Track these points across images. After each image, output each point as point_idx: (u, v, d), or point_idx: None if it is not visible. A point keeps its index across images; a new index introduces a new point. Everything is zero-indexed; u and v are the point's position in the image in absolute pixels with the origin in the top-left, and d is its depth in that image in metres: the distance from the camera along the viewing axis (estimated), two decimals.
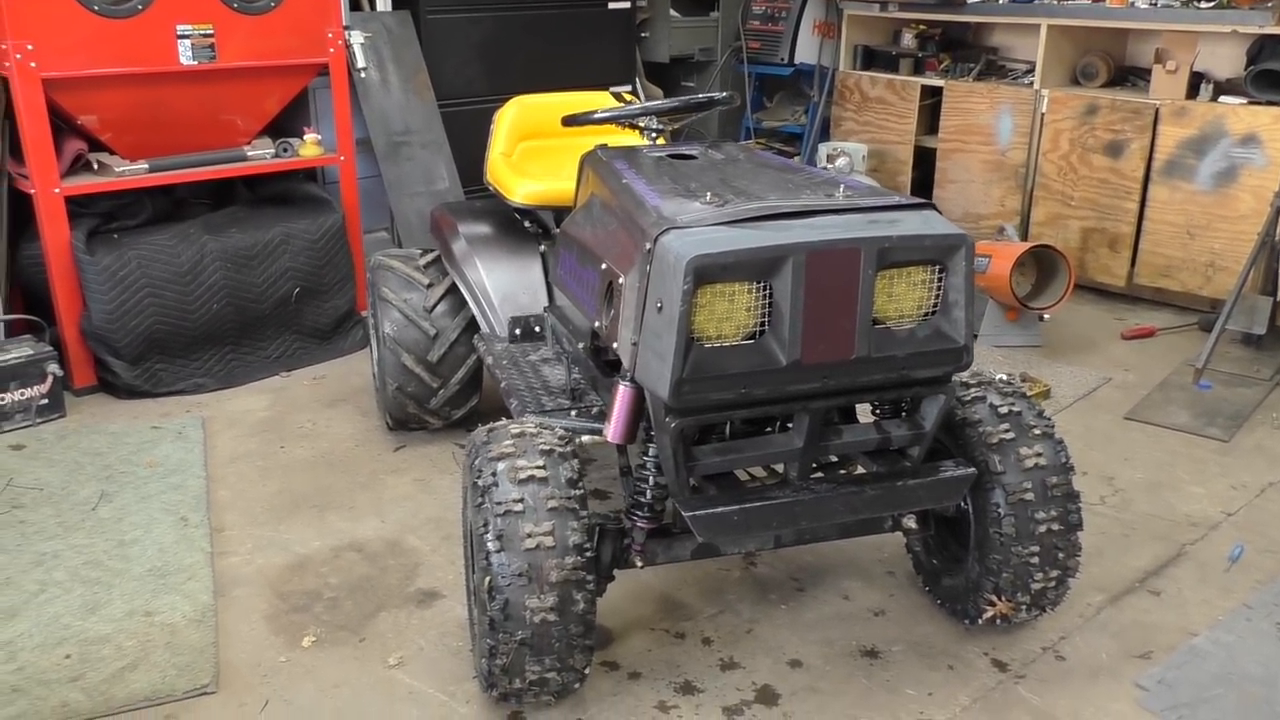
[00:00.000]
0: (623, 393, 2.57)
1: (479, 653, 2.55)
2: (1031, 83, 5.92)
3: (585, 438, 2.95)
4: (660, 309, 2.32)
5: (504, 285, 3.78)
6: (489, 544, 2.40)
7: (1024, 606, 2.82)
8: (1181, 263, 5.42)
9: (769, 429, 2.70)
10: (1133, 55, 6.08)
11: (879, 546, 3.36)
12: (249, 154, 4.93)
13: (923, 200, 2.54)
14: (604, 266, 2.63)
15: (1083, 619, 3.03)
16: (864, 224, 2.40)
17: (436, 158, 5.62)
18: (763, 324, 2.37)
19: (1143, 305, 5.69)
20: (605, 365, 3.20)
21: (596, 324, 2.68)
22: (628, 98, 5.74)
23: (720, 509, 2.42)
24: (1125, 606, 3.10)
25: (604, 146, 3.23)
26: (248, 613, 3.06)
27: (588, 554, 2.44)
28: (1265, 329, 4.76)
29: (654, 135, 3.47)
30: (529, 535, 2.40)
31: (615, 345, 2.54)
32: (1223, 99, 5.26)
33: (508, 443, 2.55)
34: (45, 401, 4.31)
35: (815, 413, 2.49)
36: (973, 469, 2.63)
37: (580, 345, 3.27)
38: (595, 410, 3.14)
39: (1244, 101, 5.15)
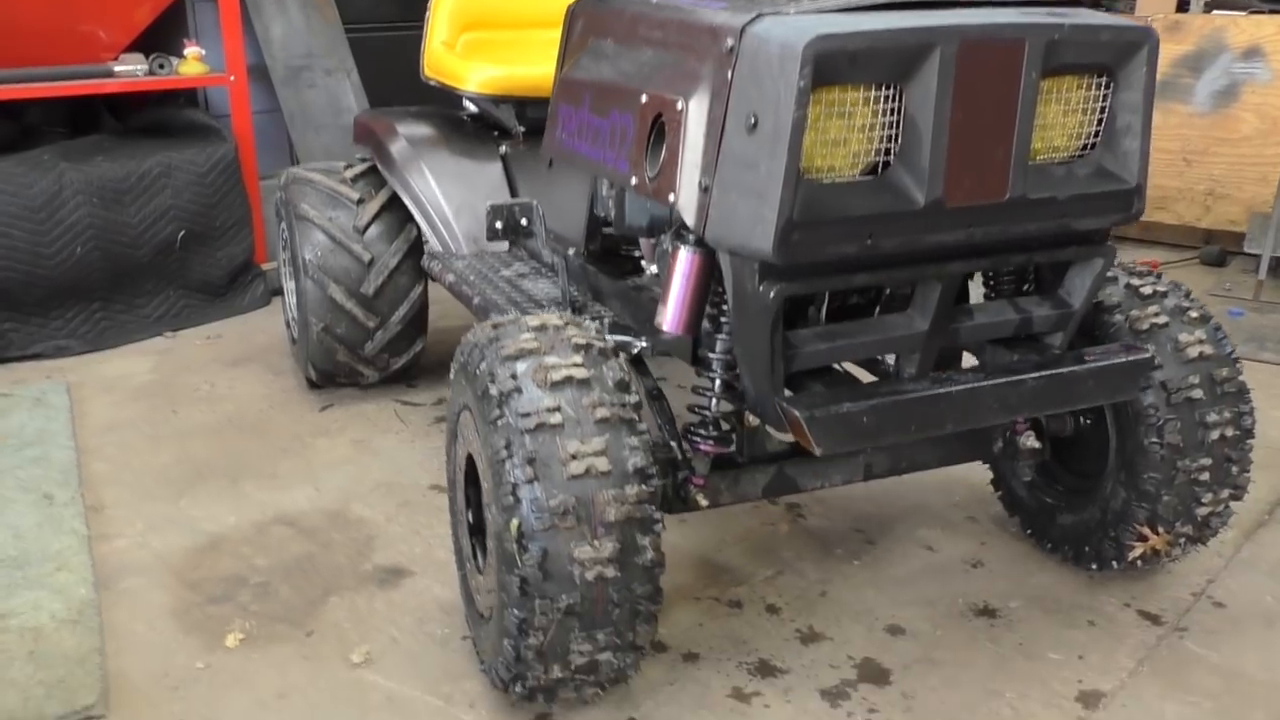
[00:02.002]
0: (687, 260, 1.86)
1: (497, 633, 1.79)
2: None
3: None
4: (754, 126, 1.63)
5: (459, 193, 3.02)
6: (515, 472, 1.66)
7: (1183, 539, 2.20)
8: (1178, 193, 4.97)
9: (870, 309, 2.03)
10: None
11: (947, 490, 2.72)
12: (116, 70, 4.04)
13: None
14: (644, 99, 1.92)
15: (1224, 558, 2.43)
16: (1022, 13, 1.75)
17: (343, 85, 4.80)
18: (886, 153, 1.70)
19: (1130, 244, 5.22)
20: (613, 270, 2.48)
21: (633, 179, 1.96)
22: None
23: (846, 406, 1.73)
24: (1265, 543, 2.52)
25: None
26: (145, 608, 2.23)
27: (653, 481, 1.72)
28: None
29: None
30: (574, 456, 1.67)
31: (671, 198, 1.82)
32: (1217, 12, 4.82)
33: (526, 336, 1.81)
34: None
35: (949, 280, 1.83)
36: (1149, 351, 1.99)
37: (572, 251, 2.55)
38: (608, 321, 2.40)
39: (1245, 12, 4.72)
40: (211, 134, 4.20)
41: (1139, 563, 2.22)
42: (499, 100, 3.04)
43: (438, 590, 2.29)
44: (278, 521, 2.58)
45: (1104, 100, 1.83)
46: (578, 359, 1.77)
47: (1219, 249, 4.85)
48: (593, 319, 2.39)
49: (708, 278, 1.88)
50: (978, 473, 2.57)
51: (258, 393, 3.38)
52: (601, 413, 1.71)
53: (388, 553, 2.44)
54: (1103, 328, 2.17)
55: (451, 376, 1.98)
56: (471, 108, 3.25)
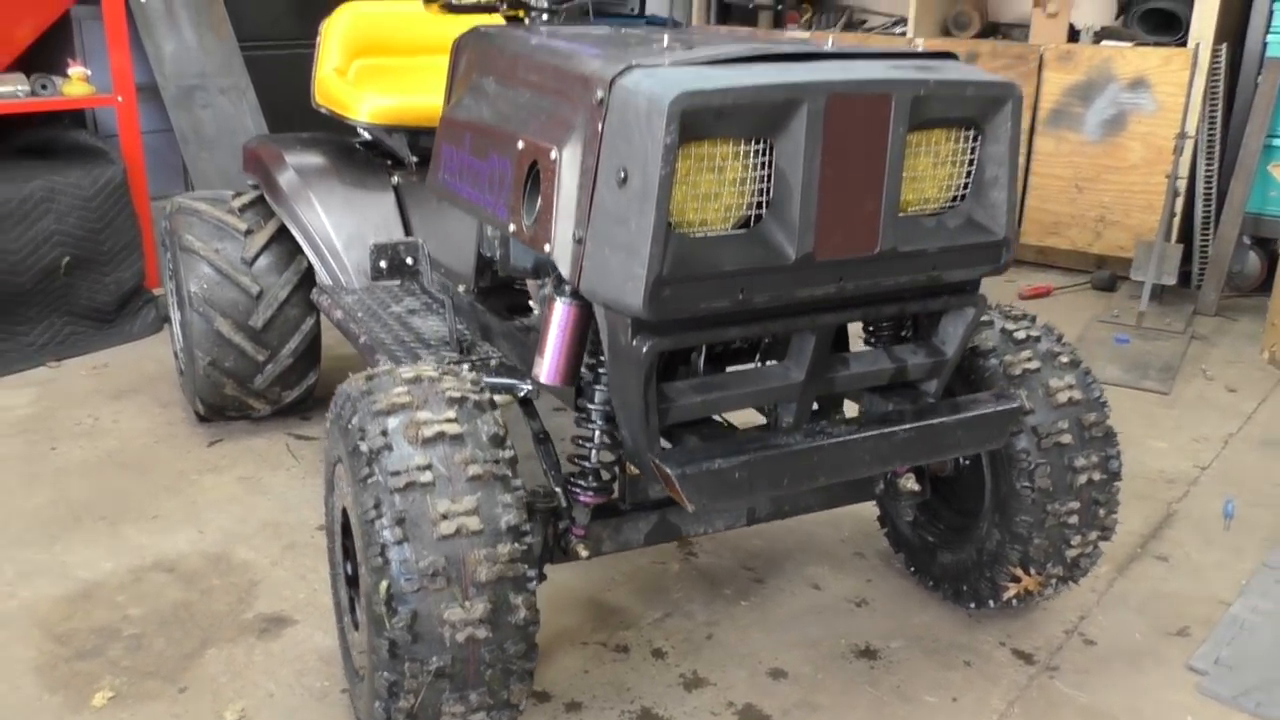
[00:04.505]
0: (562, 313, 1.86)
1: (369, 694, 1.77)
2: (904, 33, 5.52)
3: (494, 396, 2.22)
4: (624, 180, 1.63)
5: (350, 224, 2.98)
6: (384, 533, 1.63)
7: (1054, 580, 2.25)
8: (1070, 219, 5.10)
9: (747, 360, 2.05)
10: (996, 10, 5.79)
11: (836, 524, 2.75)
12: None
13: (944, 50, 1.95)
14: (520, 145, 1.91)
15: (1096, 594, 2.50)
16: (888, 69, 1.78)
17: (239, 106, 4.70)
18: (759, 206, 1.71)
19: (1026, 267, 5.35)
20: (501, 308, 2.47)
21: (511, 227, 1.95)
22: None
23: (718, 463, 1.73)
24: (1137, 576, 2.59)
25: (484, 26, 2.50)
26: (7, 666, 2.15)
27: (527, 539, 1.70)
28: (1175, 278, 4.46)
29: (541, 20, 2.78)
30: (444, 516, 1.65)
31: (547, 248, 1.81)
32: (1105, 43, 4.97)
33: (399, 390, 1.79)
34: None
35: (823, 331, 1.85)
36: (1018, 400, 2.03)
37: (461, 288, 2.53)
38: (494, 363, 2.39)
39: (1131, 44, 4.87)
40: (98, 156, 4.08)
41: (1013, 602, 2.27)
42: (391, 130, 3.01)
43: (319, 639, 2.24)
44: (157, 567, 2.51)
45: (972, 153, 1.87)
46: (451, 414, 1.75)
47: (1109, 274, 5.00)
48: (478, 361, 2.40)
49: (585, 328, 1.88)
50: (866, 508, 2.59)
51: (143, 426, 3.29)
52: (474, 470, 1.69)
53: (269, 599, 2.39)
54: (978, 372, 2.21)
55: (326, 427, 1.95)
56: (365, 135, 3.21)
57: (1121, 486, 2.22)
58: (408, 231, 2.99)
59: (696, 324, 1.72)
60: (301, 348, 3.14)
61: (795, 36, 2.18)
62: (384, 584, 1.63)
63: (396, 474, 1.66)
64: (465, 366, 2.34)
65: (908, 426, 1.89)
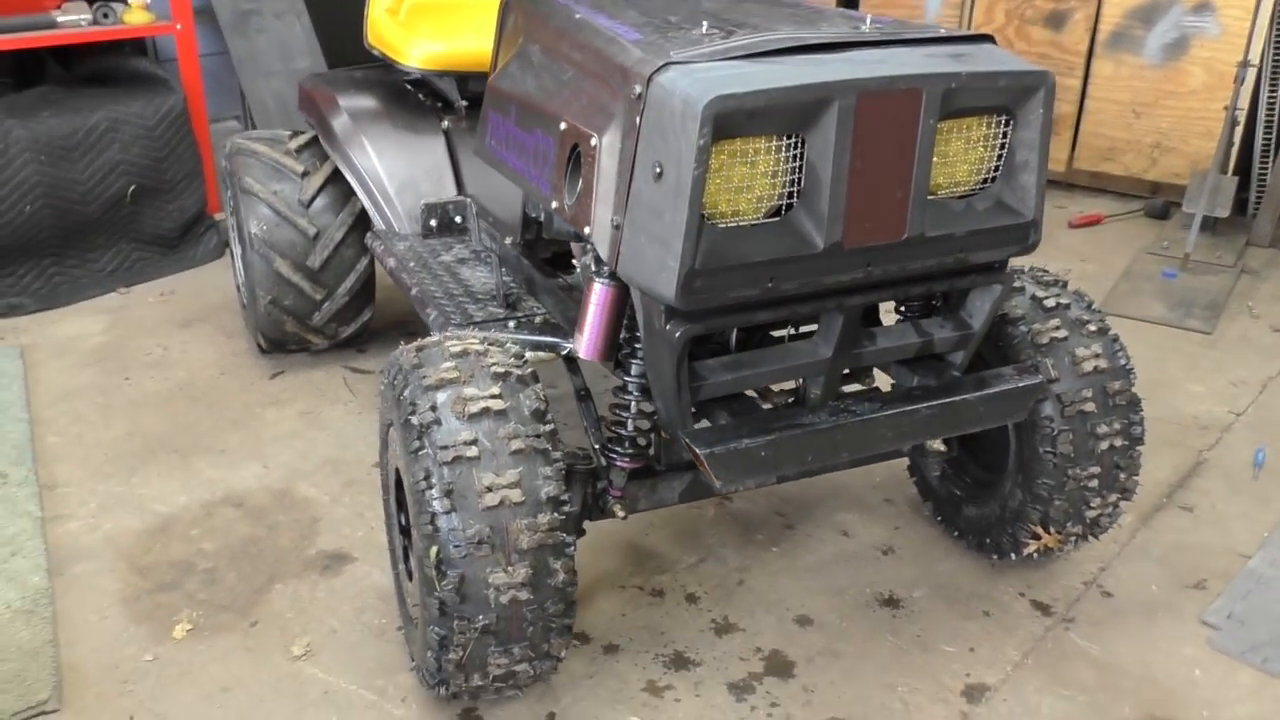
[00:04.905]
0: (600, 293, 1.95)
1: (421, 642, 1.93)
2: None
3: (530, 353, 2.33)
4: (659, 175, 1.70)
5: (402, 170, 3.06)
6: (434, 503, 1.77)
7: (1074, 538, 2.35)
8: (1126, 144, 5.03)
9: (779, 335, 2.13)
10: None
11: (869, 471, 2.85)
12: (59, 19, 4.00)
13: (980, 32, 1.97)
14: (563, 126, 1.98)
15: (1119, 545, 2.59)
16: (921, 60, 1.81)
17: (294, 29, 4.76)
18: (790, 195, 1.77)
19: (1079, 192, 5.30)
20: (544, 263, 2.57)
21: (554, 204, 2.03)
22: None
23: (744, 442, 1.84)
24: (1160, 526, 2.68)
25: None
26: (97, 596, 2.35)
27: (566, 509, 1.83)
28: (1229, 211, 4.41)
29: None
30: (489, 489, 1.78)
31: (587, 230, 1.90)
32: None
33: (447, 365, 1.91)
34: None
35: (850, 312, 1.93)
36: (1040, 377, 2.10)
37: (509, 240, 2.62)
38: (539, 319, 2.49)
39: None
40: (159, 85, 4.19)
41: (1036, 555, 2.37)
42: (441, 74, 3.07)
43: (376, 577, 2.42)
44: (226, 502, 2.69)
45: (1004, 137, 1.91)
46: (495, 389, 1.87)
47: (1163, 201, 4.94)
48: (523, 318, 2.50)
49: (622, 307, 1.97)
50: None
51: (209, 357, 3.45)
52: (516, 444, 1.81)
53: (330, 537, 2.56)
54: (1006, 339, 2.27)
55: (380, 389, 2.08)
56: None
57: (1144, 450, 2.29)
58: (458, 178, 3.06)
59: (727, 310, 1.81)
60: (357, 286, 3.26)
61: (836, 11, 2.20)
62: (434, 550, 1.77)
63: (445, 448, 1.79)
64: (511, 324, 2.47)
65: (930, 404, 1.98)
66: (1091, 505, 2.28)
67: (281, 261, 3.14)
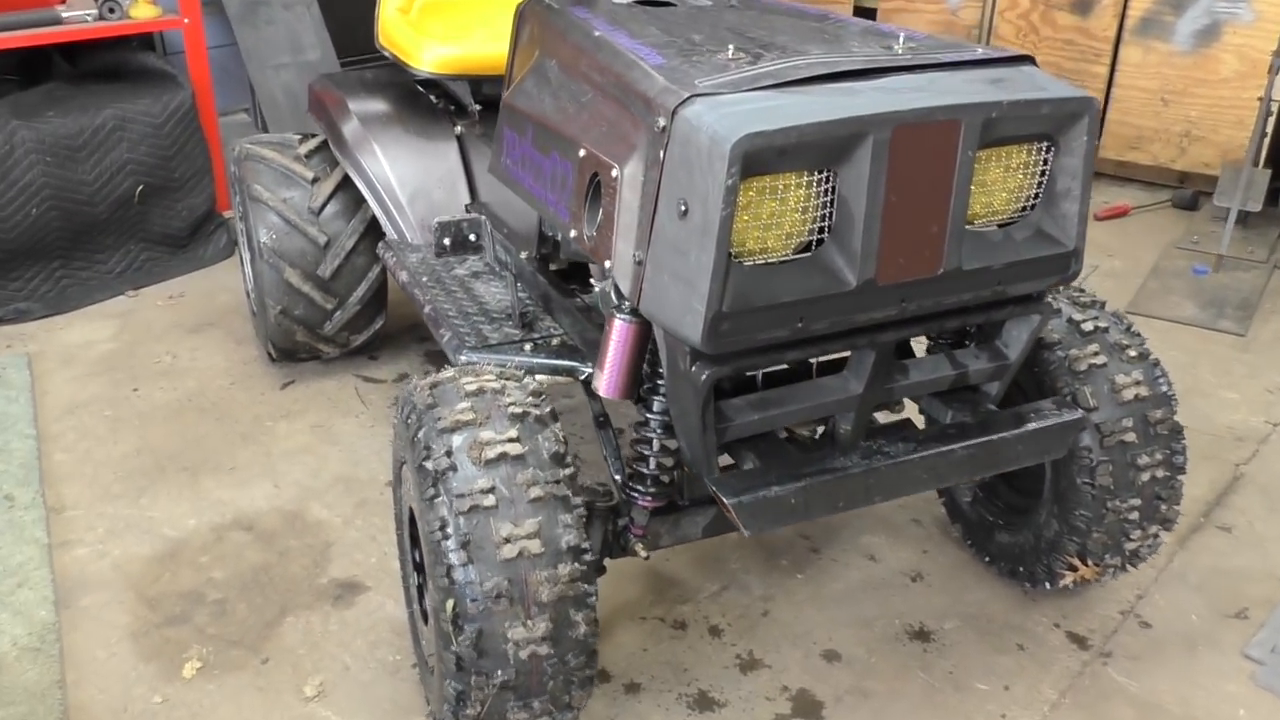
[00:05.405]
0: (621, 330, 1.87)
1: (438, 693, 1.86)
2: None
3: (542, 376, 2.26)
4: (684, 213, 1.62)
5: (414, 177, 2.98)
6: (451, 555, 1.70)
7: (1112, 569, 2.27)
8: (1154, 133, 4.90)
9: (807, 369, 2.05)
10: None
11: None
12: (64, 15, 3.92)
13: (1020, 52, 1.87)
14: (582, 153, 1.89)
15: (1155, 570, 2.51)
16: (959, 86, 1.72)
17: (304, 19, 4.66)
18: (821, 230, 1.69)
19: (1105, 181, 5.18)
20: (560, 280, 2.48)
21: (573, 232, 1.95)
22: None
23: (774, 490, 1.76)
24: (1198, 548, 2.59)
25: None
26: (105, 631, 2.30)
27: (587, 558, 1.76)
28: (1261, 205, 4.29)
29: None
30: (507, 539, 1.70)
31: (608, 263, 1.82)
32: None
33: (463, 406, 1.83)
34: None
35: (882, 348, 1.84)
36: (1080, 412, 2.02)
37: (524, 254, 2.53)
38: (556, 342, 2.41)
39: None
40: (167, 81, 4.10)
41: (1072, 586, 2.29)
42: (454, 78, 2.98)
43: (390, 608, 2.35)
44: (236, 525, 2.63)
45: (1044, 164, 1.82)
46: (513, 432, 1.79)
47: (1192, 192, 4.82)
48: (540, 340, 2.42)
49: (644, 343, 1.89)
50: None
51: (219, 365, 3.39)
52: (535, 491, 1.74)
53: (343, 563, 2.50)
54: (1042, 365, 2.19)
55: (393, 426, 2.00)
56: None
57: (1185, 477, 2.21)
58: (471, 186, 2.98)
59: (754, 351, 1.73)
60: (368, 295, 3.18)
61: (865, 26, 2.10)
62: (450, 603, 1.70)
63: (461, 496, 1.72)
64: (527, 347, 2.39)
65: (967, 444, 1.89)
66: (1131, 537, 2.20)
67: (291, 271, 3.07)
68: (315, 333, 3.18)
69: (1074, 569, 2.24)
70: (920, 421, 2.17)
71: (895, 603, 2.40)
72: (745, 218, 1.63)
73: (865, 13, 5.74)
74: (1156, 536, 2.24)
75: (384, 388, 3.27)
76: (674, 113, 1.63)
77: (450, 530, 1.70)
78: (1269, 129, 4.38)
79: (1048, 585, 2.32)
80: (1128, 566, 2.29)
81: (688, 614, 2.36)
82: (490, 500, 1.72)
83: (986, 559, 2.48)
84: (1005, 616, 2.36)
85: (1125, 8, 4.82)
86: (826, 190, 1.66)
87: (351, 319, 3.20)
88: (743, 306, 1.63)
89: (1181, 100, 4.78)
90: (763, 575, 2.48)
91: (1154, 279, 4.08)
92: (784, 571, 2.49)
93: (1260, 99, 4.21)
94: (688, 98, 1.64)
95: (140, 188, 3.93)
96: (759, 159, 1.56)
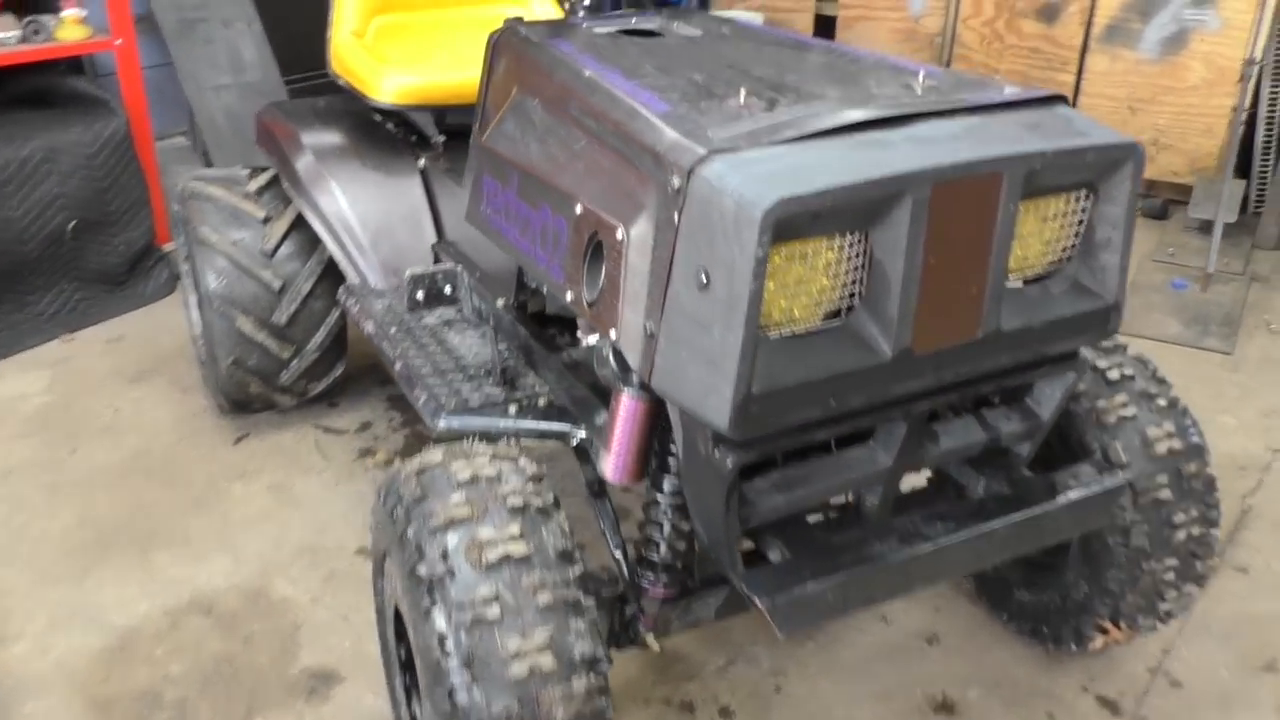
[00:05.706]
0: (629, 408, 1.69)
1: None
2: None
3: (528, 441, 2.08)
4: (705, 284, 1.44)
5: (375, 216, 2.76)
6: (454, 676, 1.50)
7: (1145, 629, 2.14)
8: None
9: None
10: None
11: None
12: None
13: (1052, 92, 1.72)
14: (579, 210, 1.71)
15: (1179, 621, 2.38)
16: (996, 134, 1.57)
17: (245, 37, 4.40)
18: (851, 296, 1.53)
19: None
20: (540, 326, 2.29)
21: (569, 295, 1.76)
22: None
23: (809, 587, 1.59)
24: (1218, 594, 2.48)
25: (520, 21, 2.26)
26: None
27: (603, 668, 1.58)
28: (1236, 215, 4.23)
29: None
30: (515, 655, 1.52)
31: (613, 334, 1.64)
32: None
33: (456, 498, 1.64)
34: None
35: (915, 419, 1.68)
36: (1120, 476, 1.88)
37: (501, 302, 2.34)
38: (543, 402, 2.22)
39: None
40: (99, 107, 3.83)
41: (1102, 647, 2.16)
42: (415, 109, 2.77)
43: (370, 701, 2.15)
44: (194, 608, 2.41)
45: (1083, 213, 1.67)
46: (514, 528, 1.60)
47: (1162, 201, 4.76)
48: (525, 400, 2.23)
49: (654, 421, 1.72)
50: None
51: (165, 419, 3.15)
52: (544, 598, 1.55)
53: (313, 649, 2.29)
54: (1067, 417, 2.04)
55: (372, 511, 1.81)
56: None
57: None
58: (437, 224, 2.77)
59: (784, 433, 1.56)
60: (328, 340, 2.96)
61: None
62: None
63: (462, 607, 1.53)
64: (512, 409, 2.20)
65: (1008, 521, 1.74)
66: (1166, 598, 2.07)
67: (244, 319, 2.84)
68: (271, 383, 2.96)
69: (1105, 631, 2.11)
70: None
71: (913, 670, 2.25)
72: (770, 285, 1.46)
73: (826, 20, 5.62)
74: (1190, 594, 2.12)
75: (346, 439, 3.05)
76: (690, 172, 1.46)
77: (451, 647, 1.51)
78: (1239, 138, 4.33)
79: (1074, 647, 2.18)
80: (1158, 624, 2.16)
81: (694, 693, 2.19)
82: (494, 610, 1.53)
83: (1005, 617, 2.34)
84: (1030, 681, 2.23)
85: (1092, 15, 4.73)
86: (859, 254, 1.50)
87: (310, 367, 2.98)
88: (772, 386, 1.46)
89: (1149, 108, 4.71)
90: (771, 645, 2.31)
91: (1134, 295, 3.99)
92: (793, 640, 2.33)
93: (1234, 109, 4.14)
94: (705, 154, 1.46)
95: (73, 223, 3.66)
96: (791, 225, 1.39)
